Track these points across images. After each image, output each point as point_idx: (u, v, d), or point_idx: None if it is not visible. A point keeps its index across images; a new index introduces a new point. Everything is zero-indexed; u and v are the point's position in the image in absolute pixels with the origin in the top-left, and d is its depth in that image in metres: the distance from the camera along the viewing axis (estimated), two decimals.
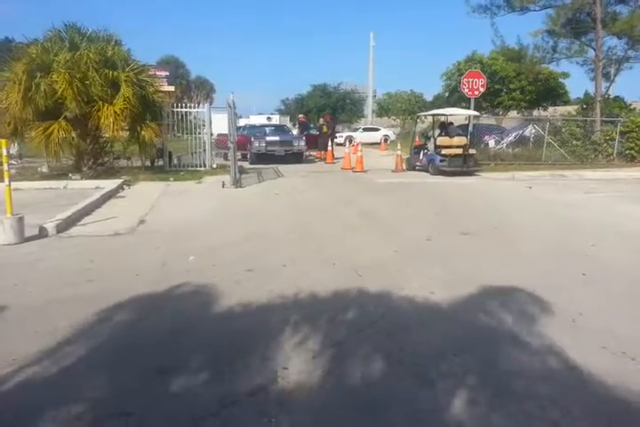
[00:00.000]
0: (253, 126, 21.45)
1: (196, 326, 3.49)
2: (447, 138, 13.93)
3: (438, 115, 15.78)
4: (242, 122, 26.19)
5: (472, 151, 13.95)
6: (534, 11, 18.60)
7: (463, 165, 13.57)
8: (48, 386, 2.68)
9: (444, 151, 13.55)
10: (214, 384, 2.69)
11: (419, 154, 14.94)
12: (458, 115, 16.25)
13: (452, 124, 14.81)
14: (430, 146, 14.33)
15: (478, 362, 2.96)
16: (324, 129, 19.30)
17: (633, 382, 2.68)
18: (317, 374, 2.79)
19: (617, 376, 2.75)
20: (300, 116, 26.60)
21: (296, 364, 2.90)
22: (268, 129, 20.08)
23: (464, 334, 3.37)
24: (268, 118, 31.09)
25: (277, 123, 28.19)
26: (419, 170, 14.60)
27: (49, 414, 2.41)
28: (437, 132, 14.84)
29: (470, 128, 15.00)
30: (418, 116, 18.47)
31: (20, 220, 5.79)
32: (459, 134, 14.20)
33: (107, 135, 12.61)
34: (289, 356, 2.99)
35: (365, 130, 34.14)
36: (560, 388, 2.66)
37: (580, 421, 2.40)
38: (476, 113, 16.15)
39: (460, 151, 13.56)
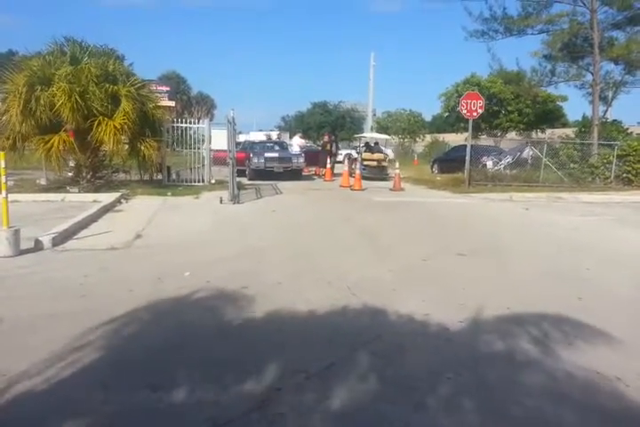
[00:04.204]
0: (253, 143, 21.58)
1: (190, 343, 3.46)
2: (370, 153, 19.33)
3: (363, 137, 22.43)
4: (241, 138, 26.25)
5: (384, 164, 19.48)
6: (532, 34, 18.91)
7: (379, 174, 18.70)
8: (39, 402, 2.64)
9: (365, 163, 18.66)
10: (206, 404, 2.65)
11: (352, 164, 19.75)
12: (379, 138, 22.83)
13: (377, 143, 21.01)
14: (359, 159, 18.76)
15: (472, 385, 2.93)
16: (327, 147, 19.62)
17: (627, 408, 2.66)
18: (310, 396, 2.76)
19: (612, 401, 2.73)
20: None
21: (289, 385, 2.87)
22: (267, 145, 20.24)
23: (458, 356, 3.34)
24: (268, 136, 29.21)
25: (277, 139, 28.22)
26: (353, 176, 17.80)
27: None
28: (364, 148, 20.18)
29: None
30: (359, 138, 23.15)
31: (16, 232, 5.78)
32: (379, 151, 19.86)
33: (106, 149, 12.64)
34: (282, 376, 2.96)
35: None
36: (555, 412, 2.64)
37: None
38: (388, 137, 25.03)
39: (376, 164, 18.89)
